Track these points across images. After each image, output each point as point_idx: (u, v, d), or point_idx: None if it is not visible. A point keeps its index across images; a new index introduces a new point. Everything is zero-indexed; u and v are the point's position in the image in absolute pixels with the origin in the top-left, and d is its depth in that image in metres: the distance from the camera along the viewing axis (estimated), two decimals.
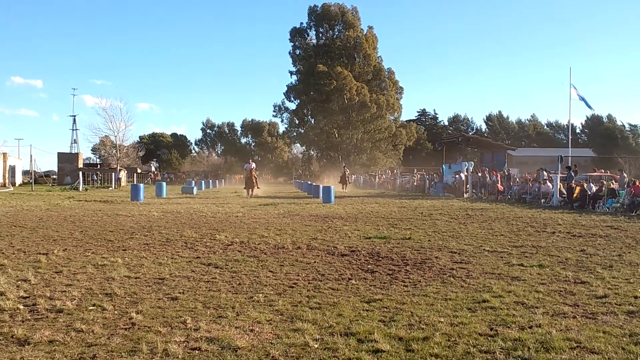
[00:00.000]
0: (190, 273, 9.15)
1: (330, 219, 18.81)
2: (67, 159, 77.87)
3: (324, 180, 63.04)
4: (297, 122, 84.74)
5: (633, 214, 21.93)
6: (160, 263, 10.07)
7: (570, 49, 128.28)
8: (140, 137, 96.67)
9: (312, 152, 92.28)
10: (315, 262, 10.32)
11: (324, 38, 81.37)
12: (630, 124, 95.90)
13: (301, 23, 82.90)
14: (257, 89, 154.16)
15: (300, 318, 6.36)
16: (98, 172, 73.01)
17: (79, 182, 54.79)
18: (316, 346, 5.38)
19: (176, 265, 9.83)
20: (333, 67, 75.98)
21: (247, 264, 10.03)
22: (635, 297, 7.45)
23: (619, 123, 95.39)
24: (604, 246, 12.44)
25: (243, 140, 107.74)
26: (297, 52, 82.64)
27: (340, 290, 7.97)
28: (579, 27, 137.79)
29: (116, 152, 71.33)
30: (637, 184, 24.59)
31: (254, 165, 39.35)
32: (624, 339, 5.67)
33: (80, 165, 75.93)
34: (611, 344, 5.47)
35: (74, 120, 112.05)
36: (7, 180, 61.14)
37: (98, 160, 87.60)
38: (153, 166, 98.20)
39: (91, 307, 6.84)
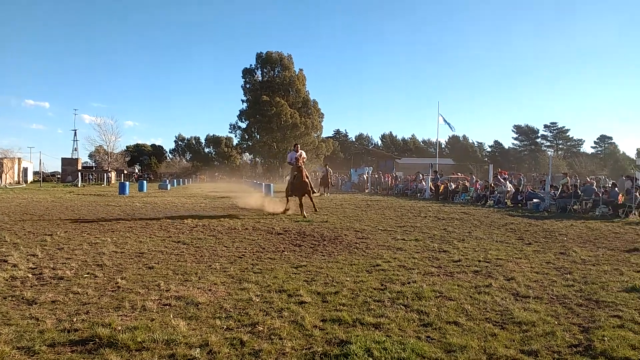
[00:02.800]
0: (164, 248, 8.86)
1: (269, 207, 18.64)
2: (68, 163, 74.15)
3: (266, 179, 62.54)
4: (246, 137, 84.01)
5: (478, 204, 22.92)
6: (141, 241, 9.71)
7: (440, 86, 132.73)
8: (127, 146, 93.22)
9: (258, 159, 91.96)
10: (258, 239, 10.22)
11: (267, 76, 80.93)
12: (477, 142, 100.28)
13: (250, 64, 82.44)
14: (216, 111, 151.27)
15: (247, 280, 6.30)
16: (93, 172, 69.69)
17: (78, 180, 52.24)
18: (258, 300, 5.35)
19: (153, 243, 9.50)
20: (274, 98, 75.93)
21: (208, 241, 9.83)
22: (479, 261, 7.80)
23: (470, 141, 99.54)
24: (459, 226, 12.94)
25: (206, 150, 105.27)
26: (247, 85, 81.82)
27: (276, 259, 7.94)
28: (447, 68, 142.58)
29: (108, 157, 69.27)
30: (477, 182, 25.77)
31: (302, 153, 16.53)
32: (471, 289, 5.93)
33: (79, 168, 72.26)
34: (462, 293, 5.71)
35: (75, 133, 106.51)
36: (20, 179, 57.50)
37: (93, 163, 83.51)
38: (136, 169, 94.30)
39: (85, 275, 6.53)
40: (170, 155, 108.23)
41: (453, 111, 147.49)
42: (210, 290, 5.81)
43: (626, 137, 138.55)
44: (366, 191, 36.18)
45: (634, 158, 66.67)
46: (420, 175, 32.57)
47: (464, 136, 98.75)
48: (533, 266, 7.41)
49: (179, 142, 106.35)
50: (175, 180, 61.53)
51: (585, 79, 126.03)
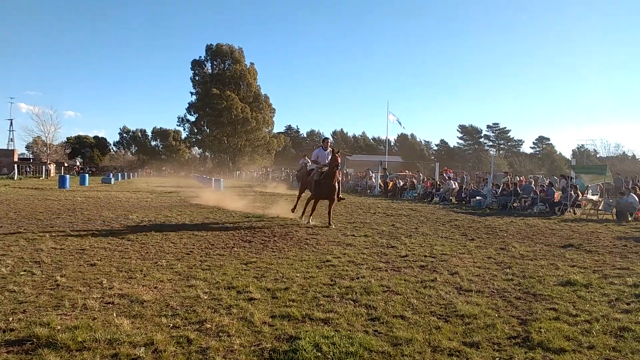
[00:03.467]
0: (107, 245, 8.53)
1: (220, 203, 18.36)
2: (4, 154, 69.96)
3: (216, 174, 61.48)
4: (196, 130, 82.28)
5: (425, 200, 23.57)
6: (82, 237, 9.29)
7: (389, 85, 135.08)
8: (67, 138, 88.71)
9: (207, 154, 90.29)
10: (207, 235, 10.04)
11: (217, 69, 79.52)
12: (425, 140, 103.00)
13: (200, 56, 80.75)
14: (164, 103, 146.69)
15: (194, 277, 6.17)
16: (31, 165, 66.04)
17: (14, 173, 49.21)
18: (206, 297, 5.25)
19: (95, 239, 9.11)
20: (224, 91, 74.75)
21: (154, 237, 9.54)
22: (425, 256, 8.01)
23: (418, 140, 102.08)
24: (407, 222, 13.25)
25: (153, 143, 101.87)
26: (197, 78, 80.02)
27: (225, 255, 7.82)
28: (396, 70, 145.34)
29: (46, 149, 65.83)
30: (428, 181, 26.53)
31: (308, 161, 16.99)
32: (417, 284, 6.08)
33: (16, 159, 68.26)
34: (409, 288, 5.85)
35: (11, 123, 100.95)
36: None
37: (31, 155, 78.98)
38: (78, 161, 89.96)
39: (22, 273, 6.18)
40: (115, 148, 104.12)
41: (402, 110, 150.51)
42: (156, 287, 5.64)
43: (562, 138, 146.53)
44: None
45: (569, 159, 70.70)
46: (370, 172, 33.07)
47: (412, 135, 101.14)
48: (475, 261, 7.70)
49: (124, 135, 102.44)
50: (119, 174, 59.37)
51: (526, 82, 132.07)
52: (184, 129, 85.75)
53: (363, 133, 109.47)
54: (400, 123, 38.92)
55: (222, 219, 12.89)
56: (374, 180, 30.86)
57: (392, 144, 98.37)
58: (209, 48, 79.74)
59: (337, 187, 12.37)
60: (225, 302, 5.08)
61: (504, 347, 3.99)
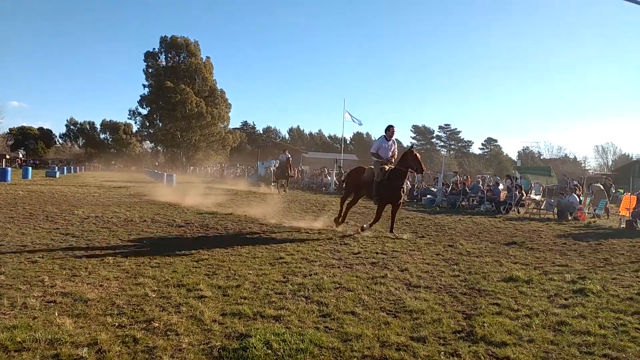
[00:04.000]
0: (50, 241, 8.14)
1: (171, 199, 17.92)
2: None
3: (168, 169, 60.00)
4: (148, 124, 79.81)
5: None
6: (23, 233, 8.84)
7: (345, 85, 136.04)
8: (9, 129, 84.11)
9: (159, 148, 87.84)
10: (157, 232, 9.79)
11: (171, 62, 77.48)
12: None
13: (154, 48, 78.33)
14: (114, 95, 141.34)
15: (143, 275, 6.00)
16: None
17: None
18: (154, 295, 5.12)
19: (37, 235, 8.69)
20: (178, 85, 72.95)
21: (101, 233, 9.20)
22: (377, 253, 8.14)
23: (373, 139, 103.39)
24: (360, 219, 13.39)
25: (102, 136, 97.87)
26: (150, 70, 77.61)
27: (176, 252, 7.65)
28: (352, 68, 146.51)
29: None
30: None
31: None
32: (369, 280, 6.17)
33: None
34: (360, 284, 5.92)
35: None
36: None
37: None
38: (21, 153, 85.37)
39: None
40: (61, 141, 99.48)
41: (358, 109, 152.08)
42: (101, 285, 5.45)
43: (509, 140, 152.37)
44: (272, 184, 36.10)
45: (515, 160, 73.72)
46: (326, 170, 33.24)
47: (367, 133, 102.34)
48: (424, 257, 7.90)
49: (71, 127, 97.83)
50: (65, 167, 56.79)
51: (477, 85, 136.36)
52: (136, 123, 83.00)
53: (319, 131, 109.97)
54: (356, 120, 39.27)
55: (174, 216, 12.60)
56: (329, 177, 31.03)
57: (347, 142, 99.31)
58: (163, 40, 77.60)
59: (404, 189, 10.64)
60: (175, 300, 4.97)
61: (449, 341, 4.12)
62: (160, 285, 5.53)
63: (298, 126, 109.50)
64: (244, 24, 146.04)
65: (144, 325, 4.20)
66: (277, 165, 27.53)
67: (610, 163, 68.63)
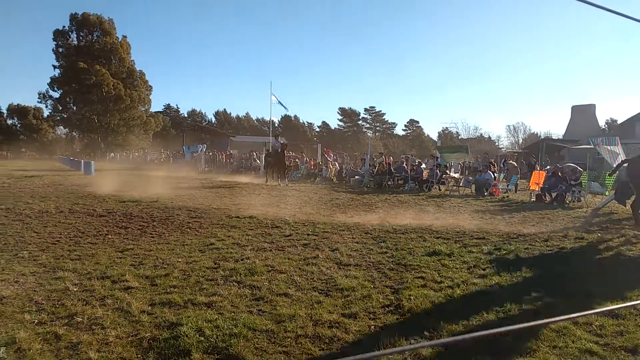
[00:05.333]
0: None
1: (90, 187, 16.97)
2: None
3: (85, 156, 56.54)
4: (60, 108, 74.22)
5: (309, 180, 24.11)
6: None
7: (273, 67, 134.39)
8: None
9: (75, 134, 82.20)
10: (76, 222, 9.23)
11: (84, 41, 72.25)
12: (307, 122, 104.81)
13: (64, 26, 72.53)
14: (22, 76, 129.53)
15: (62, 268, 5.65)
16: None
17: None
18: (76, 289, 4.85)
19: None
20: (93, 65, 68.13)
21: (12, 226, 8.52)
22: (308, 235, 8.22)
23: (301, 121, 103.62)
24: (291, 202, 13.42)
25: (9, 121, 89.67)
26: (60, 49, 71.90)
27: (98, 244, 7.27)
28: (279, 51, 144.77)
29: None
30: (312, 161, 27.16)
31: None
32: (301, 262, 6.23)
33: None
34: (292, 266, 5.96)
35: None
36: None
37: None
38: None
39: None
40: None
41: (285, 92, 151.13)
42: (17, 282, 5.07)
43: (430, 121, 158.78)
44: (199, 170, 35.25)
45: (436, 140, 77.08)
46: (255, 154, 32.89)
47: (295, 116, 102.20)
48: (354, 237, 8.09)
49: None
50: None
51: (399, 67, 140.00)
52: (47, 107, 76.80)
53: (247, 114, 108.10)
54: (283, 105, 39.07)
55: (94, 205, 11.94)
56: (258, 161, 30.75)
57: (276, 125, 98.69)
58: (73, 17, 71.94)
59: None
60: (99, 293, 4.74)
61: (379, 315, 4.27)
62: (82, 279, 5.24)
63: (225, 109, 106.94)
64: (164, 2, 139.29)
65: (66, 321, 3.98)
66: (270, 150, 23.26)
67: (520, 141, 73.54)
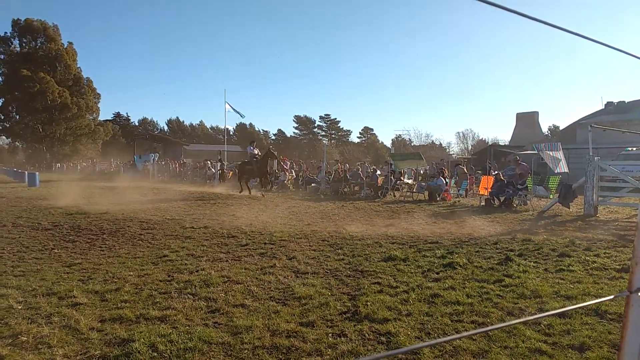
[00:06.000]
0: None
1: (35, 200, 16.18)
2: None
3: (29, 167, 53.83)
4: (2, 117, 70.55)
5: (263, 189, 23.92)
6: None
7: (228, 74, 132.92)
8: None
9: (18, 144, 78.26)
10: (20, 237, 8.75)
11: (27, 47, 69.03)
12: (263, 130, 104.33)
13: (5, 32, 69.12)
14: None
15: (5, 285, 5.33)
16: None
17: None
18: (20, 307, 4.59)
19: None
20: (36, 73, 65.14)
21: None
22: (265, 244, 8.14)
23: (257, 129, 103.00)
24: (247, 211, 13.28)
25: None
26: (2, 57, 68.52)
27: (43, 258, 6.92)
28: (232, 58, 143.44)
29: None
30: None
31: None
32: (257, 271, 6.16)
33: None
34: (249, 276, 5.89)
35: None
36: None
37: None
38: None
39: None
40: None
41: (239, 100, 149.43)
42: None
43: (384, 129, 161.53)
44: (152, 179, 34.32)
45: (389, 147, 78.54)
46: (209, 163, 32.39)
47: (250, 124, 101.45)
48: (311, 244, 8.09)
49: None
50: None
51: (355, 75, 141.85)
52: None
53: (201, 122, 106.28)
54: (238, 112, 38.70)
55: (39, 218, 11.37)
56: (212, 170, 30.28)
57: (231, 133, 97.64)
58: (16, 23, 68.79)
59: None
60: (45, 310, 4.50)
61: (337, 322, 4.27)
62: (26, 296, 4.96)
63: (177, 117, 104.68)
64: (111, 7, 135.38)
65: (10, 341, 3.75)
66: (247, 159, 20.47)
67: (470, 147, 76.00)
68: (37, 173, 27.25)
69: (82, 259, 6.89)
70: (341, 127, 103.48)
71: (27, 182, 25.86)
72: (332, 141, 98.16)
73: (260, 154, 19.52)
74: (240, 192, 19.17)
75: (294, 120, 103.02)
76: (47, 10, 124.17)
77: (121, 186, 24.77)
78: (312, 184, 22.30)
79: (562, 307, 4.40)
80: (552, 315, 4.24)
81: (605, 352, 3.61)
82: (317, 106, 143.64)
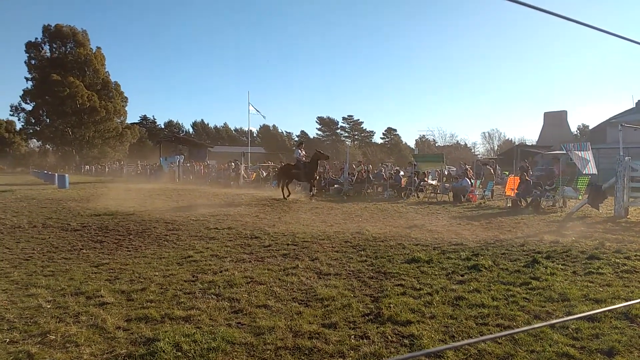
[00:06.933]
0: None
1: (64, 201, 16.61)
2: None
3: (59, 170, 55.31)
4: (33, 121, 72.67)
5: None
6: None
7: (251, 77, 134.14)
8: None
9: (48, 147, 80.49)
10: (50, 237, 9.00)
11: (57, 52, 71.00)
12: (286, 131, 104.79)
13: (36, 38, 71.25)
14: None
15: (35, 285, 5.49)
16: None
17: None
18: (49, 306, 4.72)
19: None
20: (66, 77, 66.96)
21: None
22: (287, 245, 8.17)
23: (280, 131, 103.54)
24: (270, 212, 13.38)
25: None
26: (33, 62, 70.57)
27: (72, 259, 7.10)
28: (257, 60, 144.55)
29: None
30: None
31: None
32: (280, 272, 6.18)
33: None
34: (272, 277, 5.91)
35: None
36: None
37: None
38: None
39: None
40: None
41: (262, 102, 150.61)
42: None
43: (408, 129, 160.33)
44: (178, 180, 34.84)
45: (413, 148, 77.86)
46: (233, 164, 32.71)
47: (273, 126, 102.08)
48: (334, 246, 8.07)
49: None
50: None
51: (378, 76, 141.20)
52: (19, 119, 75.21)
53: (225, 124, 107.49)
54: (260, 113, 38.99)
55: (68, 219, 11.67)
56: (240, 171, 30.53)
57: (254, 135, 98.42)
58: (46, 29, 70.80)
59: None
60: (73, 309, 4.61)
61: (359, 324, 4.25)
62: (55, 295, 5.10)
63: (202, 120, 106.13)
64: (138, 9, 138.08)
65: (39, 339, 3.86)
66: (293, 162, 19.27)
67: (496, 148, 74.73)
68: (66, 175, 27.96)
69: (109, 259, 7.04)
70: (364, 128, 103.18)
71: (57, 184, 26.58)
72: (355, 142, 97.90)
73: (307, 155, 18.06)
74: (286, 197, 17.59)
75: (316, 122, 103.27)
76: (77, 15, 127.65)
77: (147, 188, 25.22)
78: (335, 185, 22.27)
79: (591, 310, 4.28)
80: (581, 318, 4.13)
81: (636, 356, 3.49)
82: (340, 107, 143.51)
